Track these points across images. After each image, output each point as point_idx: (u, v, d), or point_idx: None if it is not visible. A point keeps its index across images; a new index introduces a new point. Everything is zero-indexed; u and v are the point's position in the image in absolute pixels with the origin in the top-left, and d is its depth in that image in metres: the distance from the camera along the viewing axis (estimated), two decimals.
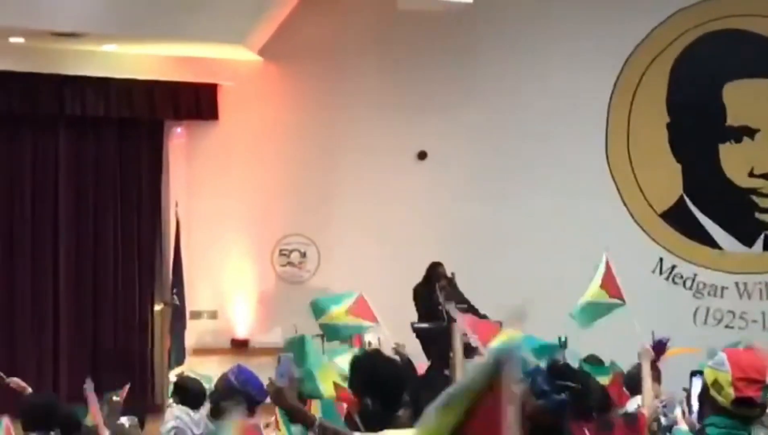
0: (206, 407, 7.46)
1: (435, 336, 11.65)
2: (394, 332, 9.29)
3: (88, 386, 7.81)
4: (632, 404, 7.54)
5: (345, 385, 4.52)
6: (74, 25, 12.51)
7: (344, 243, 14.47)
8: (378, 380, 4.65)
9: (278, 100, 14.68)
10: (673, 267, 15.01)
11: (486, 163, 14.76)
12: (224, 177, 14.38)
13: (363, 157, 14.58)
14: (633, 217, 14.99)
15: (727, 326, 14.81)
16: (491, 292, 13.01)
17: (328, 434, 4.34)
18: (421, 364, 10.66)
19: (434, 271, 13.16)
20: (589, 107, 14.92)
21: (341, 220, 14.53)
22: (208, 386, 7.82)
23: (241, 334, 14.33)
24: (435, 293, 13.00)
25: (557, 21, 14.89)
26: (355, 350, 5.80)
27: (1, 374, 9.26)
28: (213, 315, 14.36)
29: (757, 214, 15.14)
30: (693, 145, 15.11)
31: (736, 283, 15.03)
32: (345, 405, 5.18)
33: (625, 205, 15.01)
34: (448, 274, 13.10)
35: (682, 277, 15.02)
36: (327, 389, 4.64)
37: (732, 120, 15.09)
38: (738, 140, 15.10)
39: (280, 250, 14.62)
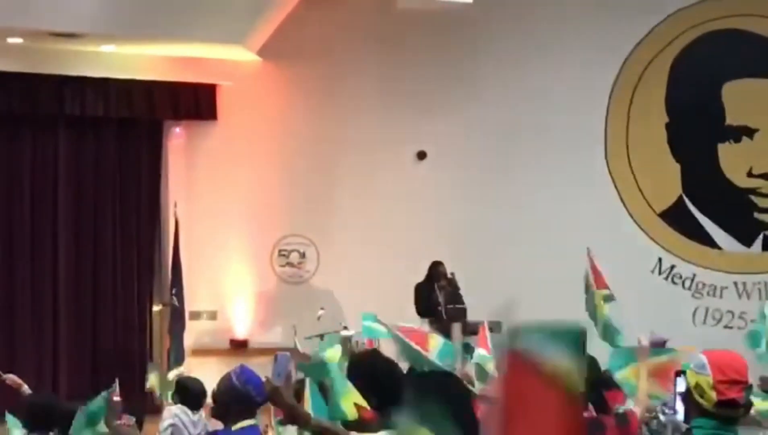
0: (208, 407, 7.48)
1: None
2: None
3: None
4: (629, 403, 7.54)
5: (365, 404, 4.54)
6: (73, 26, 12.51)
7: (343, 243, 14.48)
8: (377, 380, 4.65)
9: (277, 100, 14.68)
10: (672, 267, 15.02)
11: (485, 163, 14.77)
12: (223, 177, 14.39)
13: (362, 157, 14.59)
14: (632, 217, 15.01)
15: (726, 326, 14.83)
16: (490, 292, 13.01)
17: (325, 434, 4.35)
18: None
19: (434, 270, 13.18)
20: (588, 107, 14.94)
21: (340, 220, 14.53)
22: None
23: (240, 334, 14.33)
24: (435, 292, 13.02)
25: (556, 20, 14.89)
26: (339, 344, 5.79)
27: None
28: (212, 315, 14.36)
29: (756, 214, 15.15)
30: (692, 144, 15.12)
31: (735, 283, 15.04)
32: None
33: (624, 205, 15.02)
34: (448, 274, 13.12)
35: (681, 277, 15.03)
36: (349, 411, 4.64)
37: (731, 120, 15.10)
38: (737, 140, 15.11)
39: (280, 251, 14.63)
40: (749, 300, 14.91)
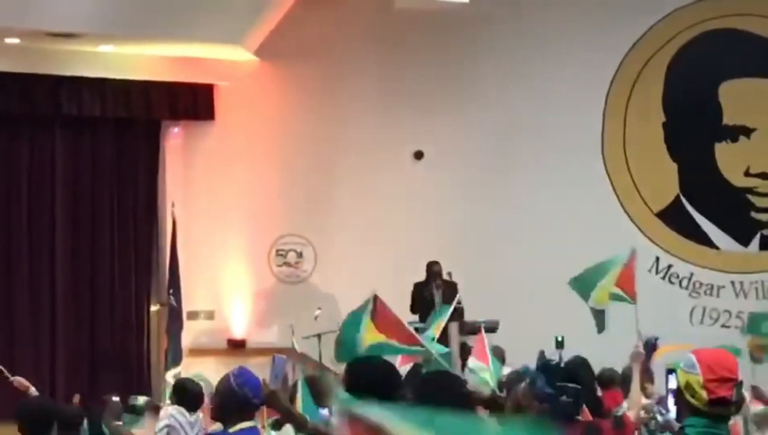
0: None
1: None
2: None
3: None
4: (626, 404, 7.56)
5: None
6: (70, 26, 12.50)
7: (341, 243, 14.47)
8: (372, 379, 4.65)
9: (275, 100, 14.68)
10: (670, 266, 15.02)
11: (482, 163, 14.77)
12: (221, 177, 14.38)
13: (359, 157, 14.58)
14: (629, 217, 15.01)
15: (723, 325, 14.83)
16: (489, 292, 13.04)
17: None
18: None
19: (430, 269, 13.19)
20: (585, 106, 14.94)
21: (338, 220, 14.53)
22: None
23: (237, 334, 14.33)
24: (431, 292, 13.02)
25: (554, 20, 14.89)
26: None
27: (5, 371, 9.27)
28: (210, 315, 14.35)
29: (753, 214, 15.15)
30: (689, 144, 15.12)
31: (732, 283, 15.05)
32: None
33: (621, 204, 15.02)
34: (445, 273, 13.12)
35: (678, 276, 15.04)
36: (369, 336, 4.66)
37: (728, 119, 15.11)
38: (734, 139, 15.12)
39: (277, 250, 14.62)
40: (746, 299, 14.92)
